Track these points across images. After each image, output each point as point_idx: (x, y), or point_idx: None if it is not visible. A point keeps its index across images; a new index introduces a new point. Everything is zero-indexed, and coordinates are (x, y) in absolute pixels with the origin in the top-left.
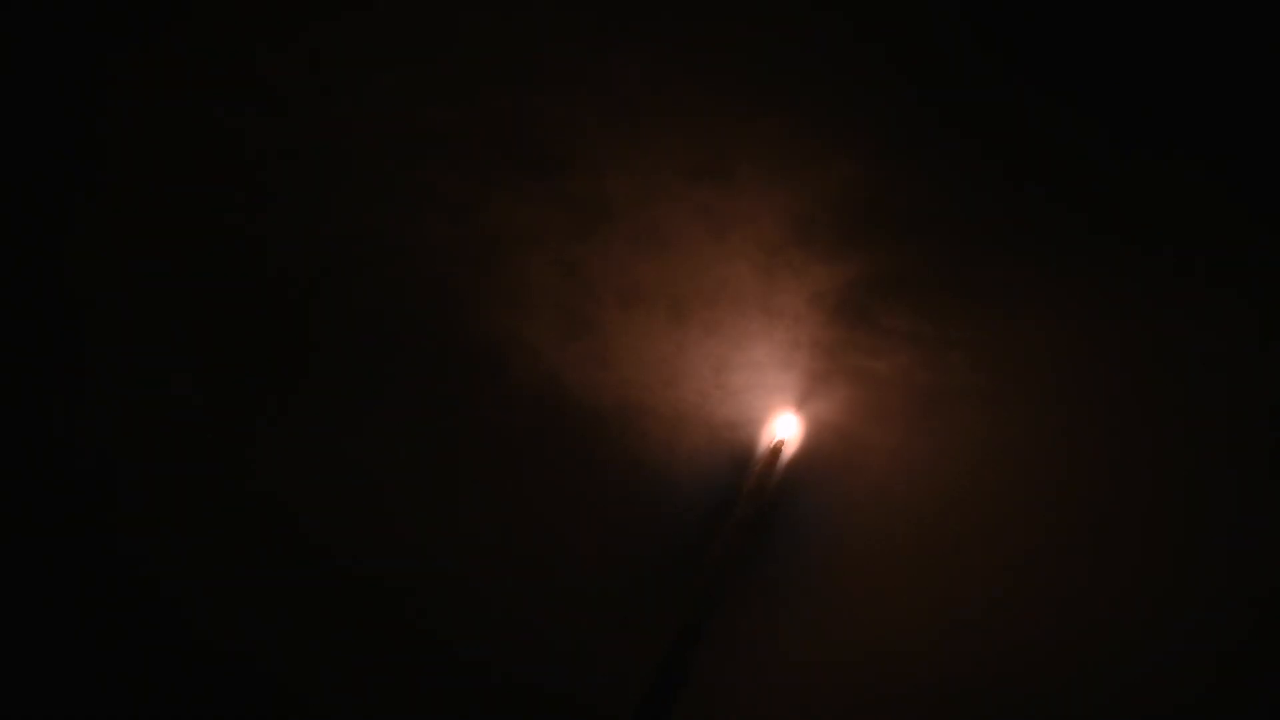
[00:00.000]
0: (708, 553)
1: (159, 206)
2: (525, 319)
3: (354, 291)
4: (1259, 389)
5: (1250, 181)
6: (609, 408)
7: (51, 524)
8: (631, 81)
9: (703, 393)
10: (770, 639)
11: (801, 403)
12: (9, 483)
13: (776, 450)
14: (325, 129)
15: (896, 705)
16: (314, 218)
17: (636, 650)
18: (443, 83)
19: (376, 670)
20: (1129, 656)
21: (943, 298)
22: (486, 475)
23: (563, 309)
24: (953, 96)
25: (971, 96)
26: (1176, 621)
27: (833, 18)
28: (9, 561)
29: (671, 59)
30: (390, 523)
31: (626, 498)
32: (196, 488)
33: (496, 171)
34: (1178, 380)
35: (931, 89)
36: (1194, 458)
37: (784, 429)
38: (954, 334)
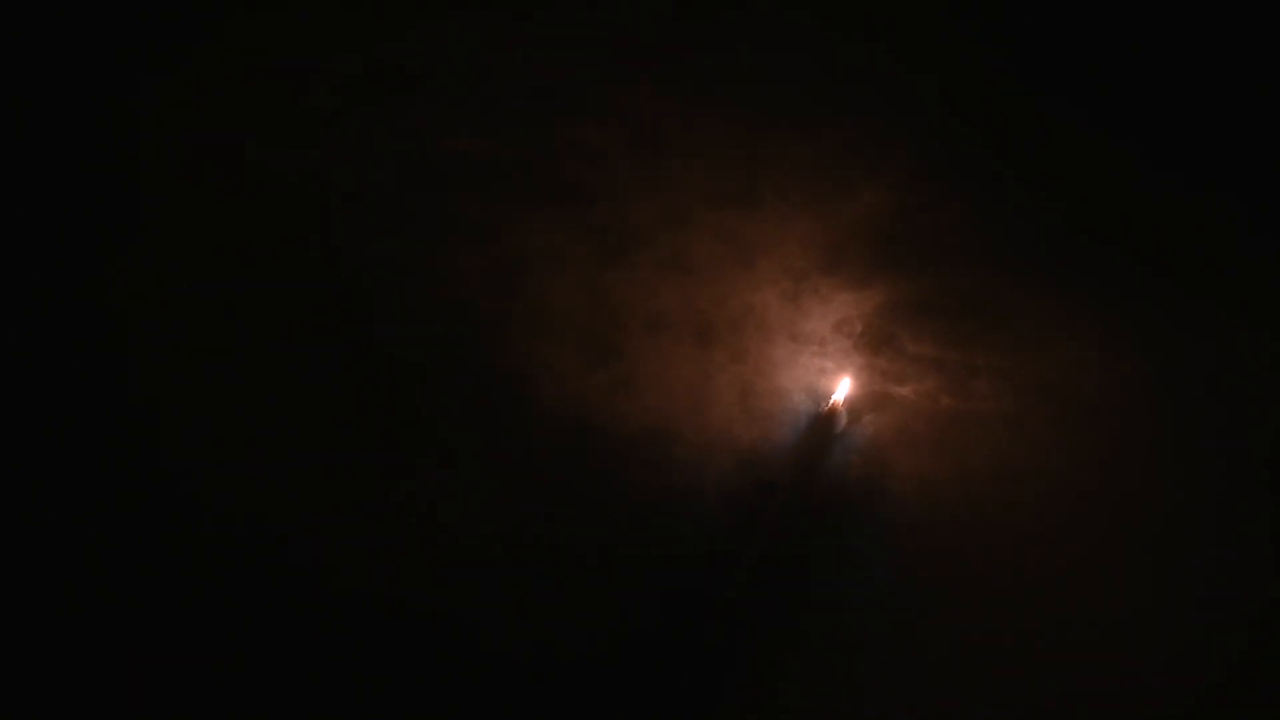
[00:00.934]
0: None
1: (190, 234)
2: (551, 345)
3: (380, 316)
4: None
5: (1276, 217)
6: (635, 434)
7: None
8: (659, 111)
9: (729, 418)
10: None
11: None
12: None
13: (831, 412)
14: (355, 158)
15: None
16: (344, 245)
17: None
18: (472, 114)
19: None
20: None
21: (967, 325)
22: (510, 499)
23: (589, 335)
24: (979, 127)
25: (998, 127)
26: (1199, 627)
27: (858, 50)
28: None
29: (699, 90)
30: (408, 538)
31: (653, 523)
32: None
33: (524, 199)
34: (1199, 406)
35: (957, 120)
36: (1216, 482)
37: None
38: (978, 361)
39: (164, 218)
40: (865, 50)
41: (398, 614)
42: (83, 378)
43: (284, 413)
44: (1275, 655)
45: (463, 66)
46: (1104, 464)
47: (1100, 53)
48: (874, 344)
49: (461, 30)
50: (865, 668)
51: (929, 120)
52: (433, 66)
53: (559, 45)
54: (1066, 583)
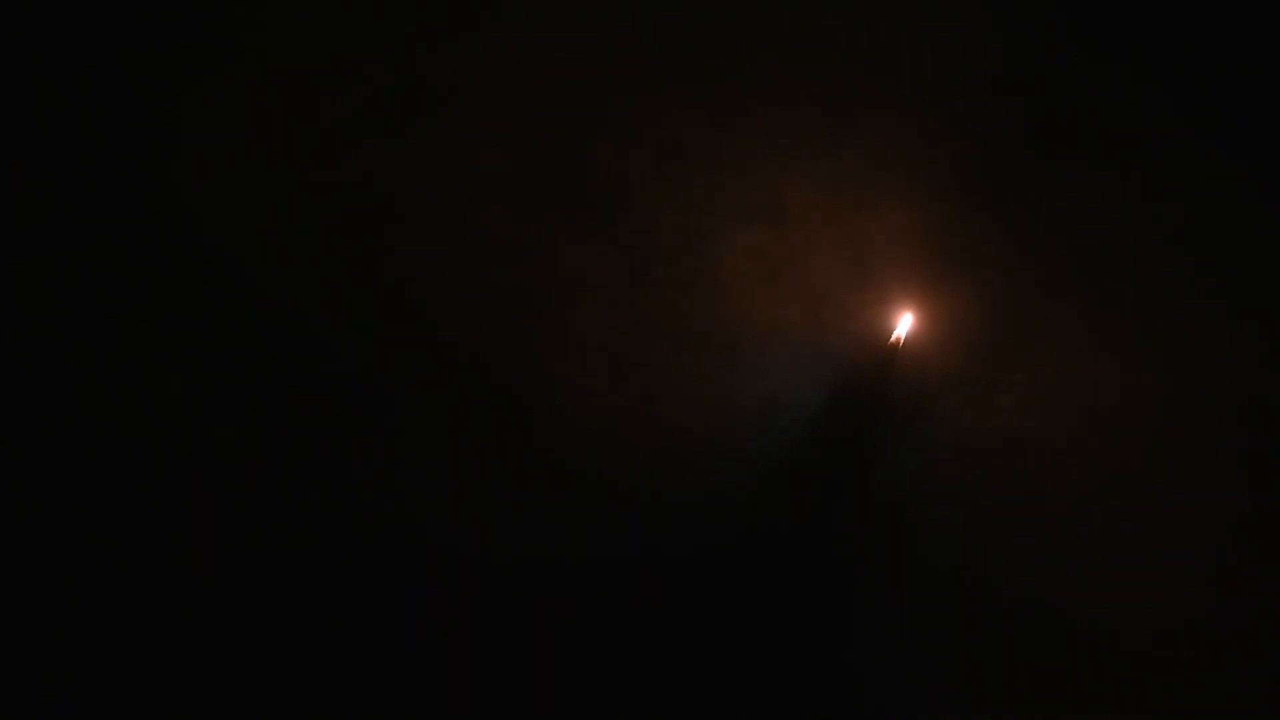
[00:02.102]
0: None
1: (209, 246)
2: (576, 362)
3: (406, 334)
4: None
5: None
6: (662, 451)
7: None
8: (685, 126)
9: (757, 435)
10: None
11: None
12: None
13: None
14: (380, 174)
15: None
16: (368, 261)
17: None
18: (496, 130)
19: None
20: None
21: (994, 340)
22: (536, 518)
23: (614, 352)
24: (1007, 142)
25: (1025, 143)
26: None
27: (883, 66)
28: None
29: (725, 105)
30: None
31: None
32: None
33: (548, 215)
34: (1233, 427)
35: (984, 136)
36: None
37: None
38: (1005, 377)
39: (190, 229)
40: (889, 70)
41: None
42: (112, 372)
43: (301, 424)
44: None
45: (489, 80)
46: (1135, 487)
47: (1130, 74)
48: (899, 360)
49: (489, 42)
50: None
51: (956, 139)
52: (461, 79)
53: (586, 59)
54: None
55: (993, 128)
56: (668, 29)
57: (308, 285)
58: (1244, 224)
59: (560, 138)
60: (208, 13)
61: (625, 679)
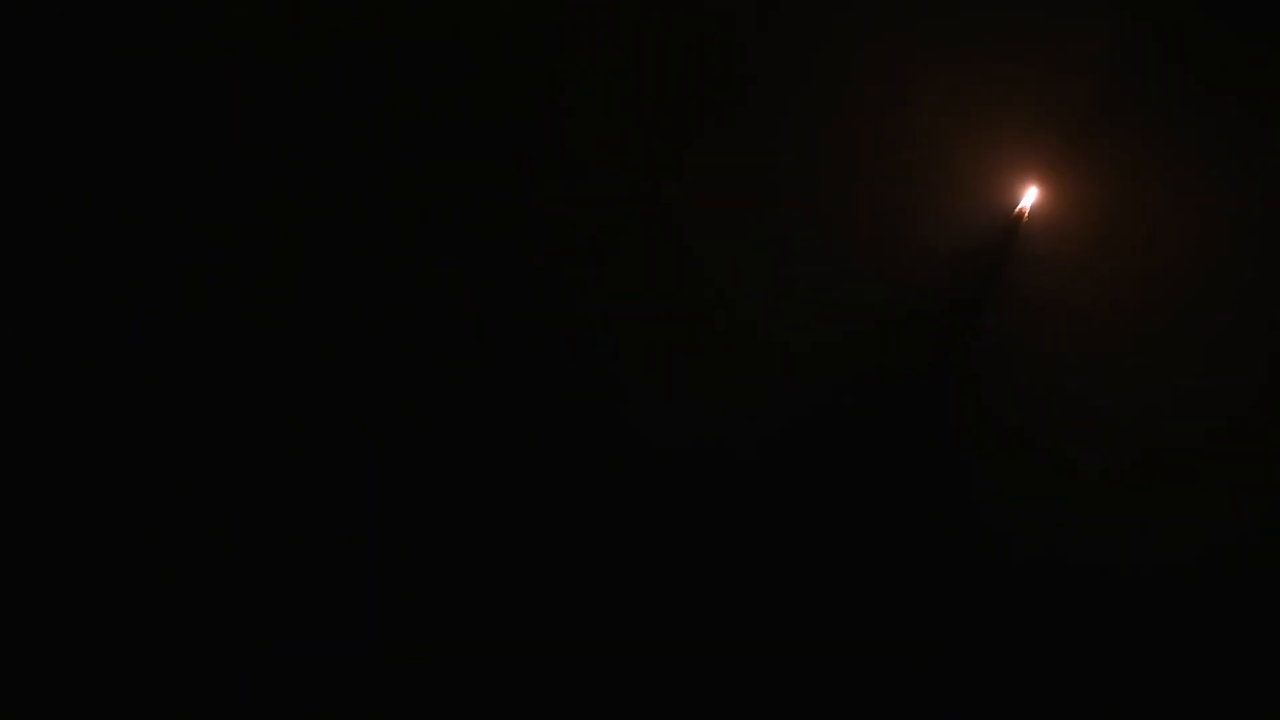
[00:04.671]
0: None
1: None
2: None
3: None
4: None
5: None
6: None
7: None
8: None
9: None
10: None
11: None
12: None
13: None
14: None
15: None
16: None
17: None
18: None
19: None
20: None
21: (1118, 222)
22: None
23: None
24: (1160, 24)
25: (1179, 25)
26: None
27: None
28: None
29: None
30: None
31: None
32: None
33: None
34: None
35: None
36: None
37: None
38: (1124, 260)
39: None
40: None
41: None
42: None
43: None
44: None
45: None
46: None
47: None
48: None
49: None
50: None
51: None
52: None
53: None
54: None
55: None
56: None
57: None
58: None
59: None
60: None
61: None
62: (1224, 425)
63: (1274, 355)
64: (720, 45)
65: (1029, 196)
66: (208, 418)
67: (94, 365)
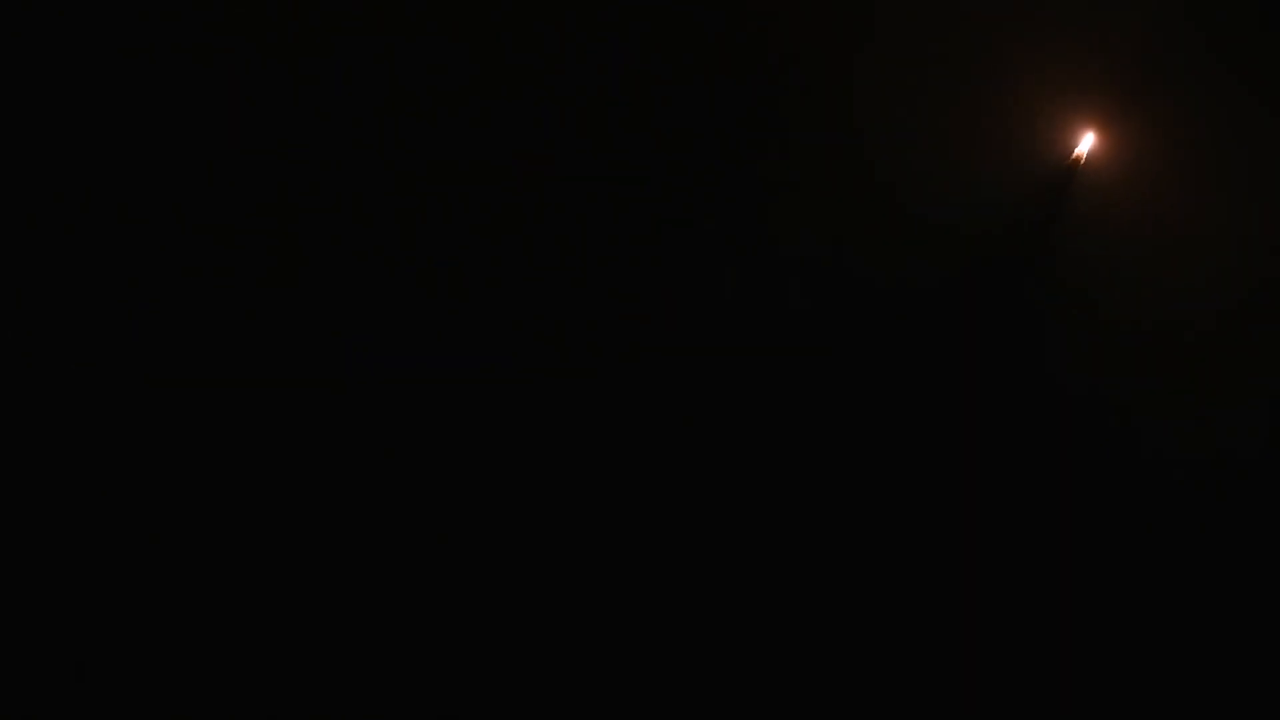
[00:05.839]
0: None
1: None
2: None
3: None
4: None
5: None
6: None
7: None
8: None
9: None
10: None
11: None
12: None
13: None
14: None
15: None
16: None
17: None
18: None
19: None
20: None
21: (1172, 170)
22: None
23: None
24: None
25: None
26: None
27: None
28: None
29: None
30: None
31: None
32: None
33: None
34: None
35: None
36: None
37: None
38: (1177, 209)
39: None
40: None
41: None
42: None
43: None
44: None
45: None
46: None
47: None
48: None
49: None
50: None
51: None
52: None
53: None
54: None
55: None
56: None
57: None
58: None
59: None
60: None
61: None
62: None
63: None
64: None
65: (1086, 142)
66: (208, 418)
67: (94, 365)
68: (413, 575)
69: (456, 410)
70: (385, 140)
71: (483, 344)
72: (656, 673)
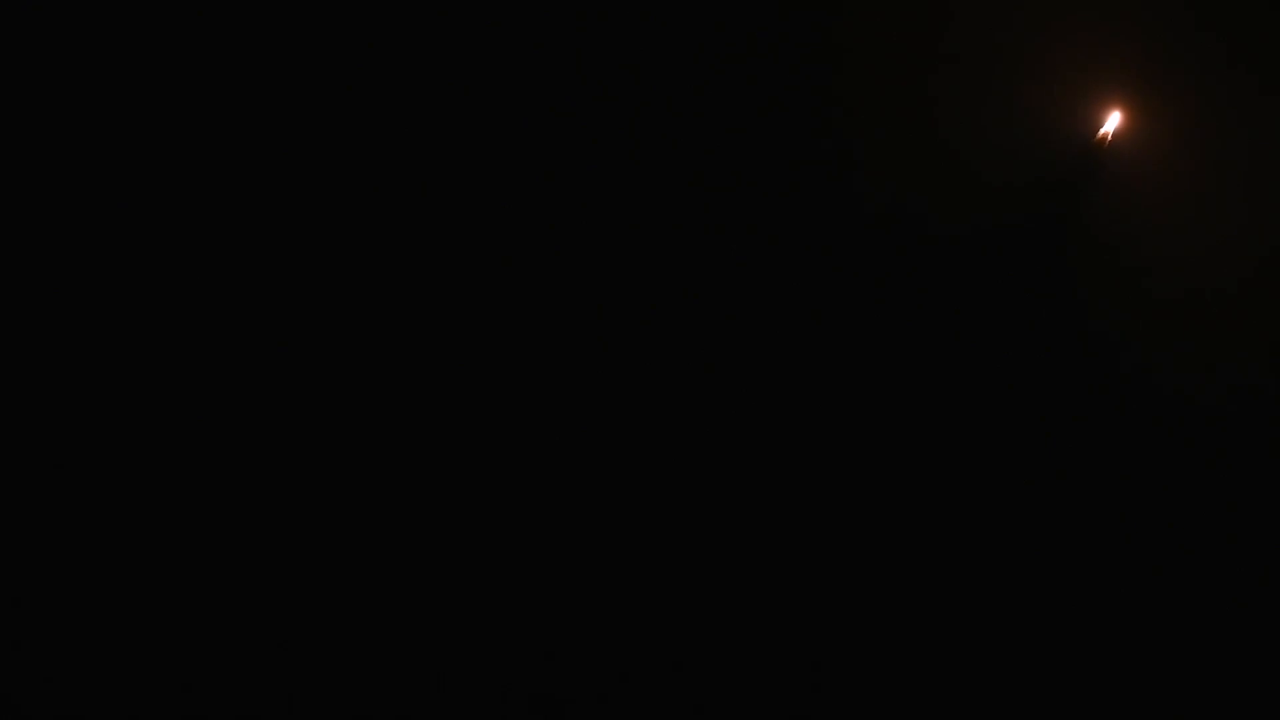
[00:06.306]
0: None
1: None
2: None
3: None
4: None
5: None
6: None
7: None
8: None
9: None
10: None
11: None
12: None
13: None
14: None
15: None
16: None
17: None
18: None
19: None
20: None
21: (1198, 148)
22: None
23: None
24: None
25: None
26: None
27: None
28: None
29: None
30: None
31: None
32: None
33: None
34: None
35: None
36: None
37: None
38: (1203, 186)
39: None
40: None
41: None
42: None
43: None
44: None
45: None
46: None
47: None
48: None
49: None
50: None
51: None
52: None
53: None
54: None
55: None
56: None
57: None
58: None
59: None
60: None
61: None
62: None
63: None
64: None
65: (1112, 121)
66: (207, 417)
67: (93, 365)
68: (413, 575)
69: (457, 411)
70: (400, 139)
71: (502, 337)
72: (657, 672)
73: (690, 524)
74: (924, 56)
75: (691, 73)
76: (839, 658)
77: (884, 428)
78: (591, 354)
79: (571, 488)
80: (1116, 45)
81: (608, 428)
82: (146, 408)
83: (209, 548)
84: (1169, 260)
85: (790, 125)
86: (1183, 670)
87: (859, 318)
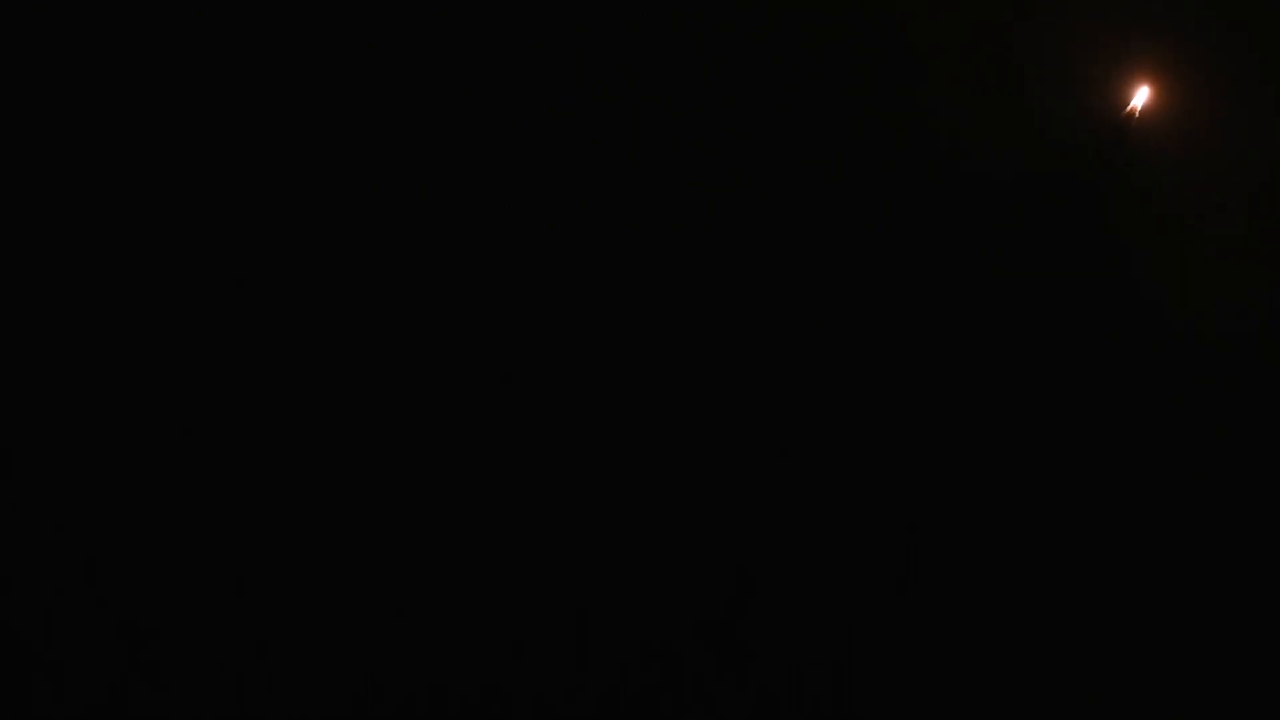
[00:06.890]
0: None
1: None
2: None
3: None
4: None
5: None
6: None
7: None
8: None
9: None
10: None
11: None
12: None
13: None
14: None
15: None
16: None
17: None
18: None
19: None
20: None
21: (1225, 125)
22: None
23: None
24: None
25: None
26: None
27: None
28: None
29: None
30: None
31: None
32: None
33: None
34: None
35: None
36: None
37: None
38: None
39: None
40: None
41: None
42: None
43: None
44: None
45: None
46: None
47: None
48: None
49: None
50: None
51: None
52: None
53: None
54: None
55: None
56: None
57: None
58: None
59: None
60: None
61: None
62: None
63: None
64: None
65: (1140, 96)
66: (207, 417)
67: (94, 364)
68: (412, 575)
69: (457, 410)
70: (400, 139)
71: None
72: (656, 672)
73: (690, 524)
74: (945, 38)
75: (692, 73)
76: (839, 657)
77: (903, 419)
78: (591, 354)
79: (572, 488)
80: (1145, 19)
81: (607, 428)
82: (146, 408)
83: (209, 547)
84: (1198, 237)
85: (802, 111)
86: (1183, 670)
87: (883, 299)
